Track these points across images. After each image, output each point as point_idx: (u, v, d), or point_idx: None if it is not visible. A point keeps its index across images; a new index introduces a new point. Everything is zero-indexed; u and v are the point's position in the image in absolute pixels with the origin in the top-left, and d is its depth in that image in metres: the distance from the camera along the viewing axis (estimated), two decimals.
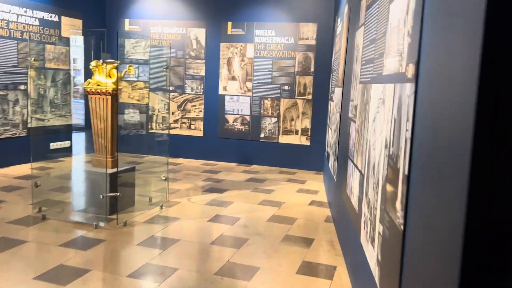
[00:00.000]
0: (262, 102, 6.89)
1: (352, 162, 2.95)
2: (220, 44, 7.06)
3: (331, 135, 4.76)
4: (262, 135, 6.92)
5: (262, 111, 6.90)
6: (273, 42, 6.75)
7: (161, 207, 4.33)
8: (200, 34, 7.14)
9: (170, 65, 7.00)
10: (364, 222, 2.39)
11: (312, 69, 6.62)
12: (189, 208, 4.43)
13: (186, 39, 7.18)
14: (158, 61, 7.32)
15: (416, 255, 1.42)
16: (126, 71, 4.05)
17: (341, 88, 4.07)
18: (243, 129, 7.03)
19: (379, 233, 1.95)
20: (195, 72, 7.21)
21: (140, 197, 4.48)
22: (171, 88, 7.24)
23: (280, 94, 6.79)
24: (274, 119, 6.86)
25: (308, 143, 6.72)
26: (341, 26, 4.79)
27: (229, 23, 6.95)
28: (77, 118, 6.65)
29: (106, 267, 2.96)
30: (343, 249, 3.33)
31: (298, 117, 6.76)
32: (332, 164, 4.49)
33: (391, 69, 1.88)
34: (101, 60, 3.88)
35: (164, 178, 4.46)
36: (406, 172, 1.49)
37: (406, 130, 1.53)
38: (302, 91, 6.69)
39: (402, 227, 1.51)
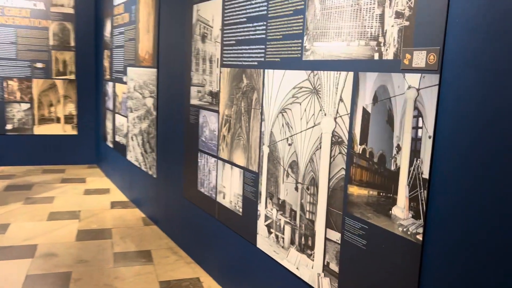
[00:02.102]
0: (5, 83, 5.32)
1: (217, 157, 2.56)
2: None
3: (130, 123, 4.09)
4: (9, 126, 5.39)
5: (6, 96, 5.34)
6: (14, 6, 5.24)
7: None
8: None
9: None
10: (268, 226, 2.10)
11: (72, 43, 5.52)
12: None
13: None
14: None
15: (439, 265, 1.29)
16: None
17: (153, 69, 3.49)
18: None
19: (327, 239, 1.72)
20: None
21: None
22: None
23: (32, 73, 5.40)
24: (25, 106, 5.43)
25: (74, 132, 5.66)
26: None
27: None
28: None
29: None
30: (195, 255, 2.93)
31: (59, 101, 5.57)
32: (139, 157, 3.88)
33: (338, 54, 1.63)
34: None
35: None
36: (426, 176, 1.31)
37: (415, 127, 1.34)
38: (61, 69, 5.51)
39: (420, 237, 1.34)
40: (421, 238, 1.34)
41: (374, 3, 1.47)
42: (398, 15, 1.39)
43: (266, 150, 2.10)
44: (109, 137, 4.89)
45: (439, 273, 1.30)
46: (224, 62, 2.43)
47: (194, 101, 2.81)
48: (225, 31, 2.41)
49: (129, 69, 4.09)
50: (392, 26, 1.41)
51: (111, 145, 4.83)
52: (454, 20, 1.22)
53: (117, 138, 4.56)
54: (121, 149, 4.43)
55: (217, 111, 2.53)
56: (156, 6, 3.41)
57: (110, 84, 4.77)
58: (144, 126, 3.74)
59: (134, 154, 4.03)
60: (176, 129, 3.11)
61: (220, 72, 2.48)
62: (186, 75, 2.90)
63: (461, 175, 1.22)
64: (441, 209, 1.29)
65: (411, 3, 1.34)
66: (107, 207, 4.00)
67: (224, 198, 2.51)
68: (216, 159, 2.57)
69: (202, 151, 2.73)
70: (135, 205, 4.08)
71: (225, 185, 2.48)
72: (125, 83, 4.23)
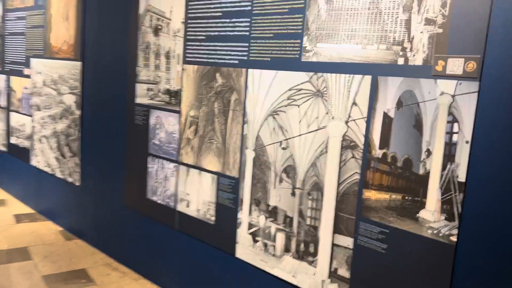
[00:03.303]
0: None
1: (177, 162, 2.34)
2: None
3: (37, 123, 3.52)
4: None
5: None
6: None
7: None
8: None
9: None
10: (254, 234, 2.00)
11: None
12: None
13: None
14: None
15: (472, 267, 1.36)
16: None
17: (75, 62, 3.05)
18: None
19: (335, 245, 1.69)
20: None
21: None
22: None
23: None
24: None
25: None
26: None
27: None
28: None
29: None
30: (143, 270, 2.65)
31: None
32: (52, 162, 3.36)
33: (350, 57, 1.60)
34: None
35: None
36: (463, 179, 1.36)
37: (449, 132, 1.38)
38: None
39: (454, 238, 1.39)
40: (455, 239, 1.39)
41: (398, 8, 1.48)
42: (429, 22, 1.41)
43: (250, 154, 1.99)
44: (0, 139, 4.15)
45: (473, 273, 1.36)
46: (189, 59, 2.23)
47: (142, 100, 2.53)
48: (189, 25, 2.21)
49: (34, 60, 3.52)
50: (421, 32, 1.43)
51: (3, 149, 4.11)
52: (496, 30, 1.28)
53: (14, 141, 3.90)
54: (21, 153, 3.80)
55: (178, 112, 2.31)
56: None
57: (2, 77, 4.05)
58: (61, 127, 3.25)
59: (43, 159, 3.49)
60: (113, 130, 2.77)
61: (183, 69, 2.26)
62: (129, 70, 2.59)
63: (498, 178, 1.29)
64: (477, 211, 1.35)
65: (445, 11, 1.37)
66: (12, 222, 3.40)
67: (188, 206, 2.31)
68: (176, 164, 2.35)
69: (155, 156, 2.47)
70: (46, 217, 3.54)
71: (190, 192, 2.29)
72: (27, 76, 3.62)
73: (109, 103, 2.79)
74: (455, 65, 1.36)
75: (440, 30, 1.39)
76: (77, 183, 3.15)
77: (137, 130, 2.57)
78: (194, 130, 2.24)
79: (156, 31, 2.40)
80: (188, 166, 2.28)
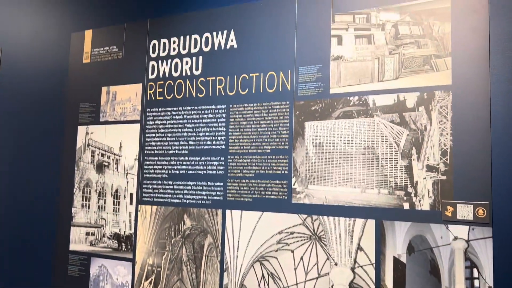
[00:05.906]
0: None
1: None
2: None
3: None
4: None
5: None
6: None
7: None
8: None
9: None
10: None
11: None
12: None
13: None
14: None
15: None
16: None
17: None
18: None
19: None
20: None
21: None
22: None
23: None
24: None
25: None
26: None
27: None
28: None
29: None
30: None
31: None
32: None
33: (349, 200, 1.58)
34: None
35: None
36: None
37: (469, 278, 1.38)
38: None
39: None
40: None
41: (396, 155, 1.52)
42: (431, 169, 1.47)
43: None
44: None
45: None
46: (146, 199, 1.99)
47: (78, 247, 2.13)
48: (147, 162, 2.01)
49: None
50: (425, 178, 1.47)
51: None
52: (499, 178, 1.37)
53: None
54: None
55: (131, 260, 1.99)
56: None
57: None
58: None
59: None
60: (33, 285, 2.25)
61: (138, 210, 2.00)
62: (61, 212, 2.20)
63: None
64: None
65: (446, 159, 1.45)
66: None
67: None
68: None
69: None
70: None
71: None
72: None
73: (26, 252, 2.30)
74: (465, 211, 1.41)
75: (444, 177, 1.45)
76: None
77: (71, 283, 2.12)
78: (153, 281, 1.92)
79: (101, 167, 2.12)
80: None
